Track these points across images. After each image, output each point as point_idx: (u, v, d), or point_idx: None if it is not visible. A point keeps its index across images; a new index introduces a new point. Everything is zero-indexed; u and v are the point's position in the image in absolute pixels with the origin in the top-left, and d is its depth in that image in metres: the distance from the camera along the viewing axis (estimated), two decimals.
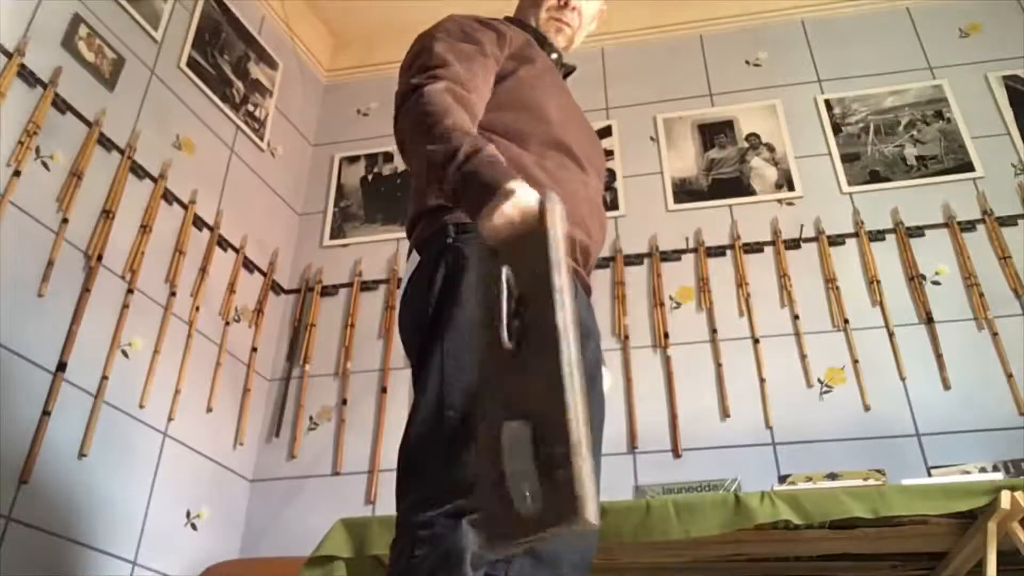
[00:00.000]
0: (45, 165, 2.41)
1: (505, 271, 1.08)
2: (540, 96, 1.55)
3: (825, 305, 2.99)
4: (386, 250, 3.45)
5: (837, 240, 3.11)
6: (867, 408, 2.76)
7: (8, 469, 2.11)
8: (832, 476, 2.19)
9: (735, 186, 3.33)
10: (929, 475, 2.38)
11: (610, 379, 1.69)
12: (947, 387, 2.74)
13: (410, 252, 1.48)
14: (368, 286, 3.37)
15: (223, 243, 3.12)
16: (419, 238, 1.45)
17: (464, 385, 1.25)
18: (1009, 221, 3.00)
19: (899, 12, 3.61)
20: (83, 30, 2.64)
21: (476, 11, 1.65)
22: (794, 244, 3.13)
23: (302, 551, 2.32)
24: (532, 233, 1.09)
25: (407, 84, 1.41)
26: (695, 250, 3.19)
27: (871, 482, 2.07)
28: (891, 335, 2.87)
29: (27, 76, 2.39)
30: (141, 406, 2.58)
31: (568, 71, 1.79)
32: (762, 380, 2.87)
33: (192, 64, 3.16)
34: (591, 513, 0.87)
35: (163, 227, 2.82)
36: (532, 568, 1.32)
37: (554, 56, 1.73)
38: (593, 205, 1.57)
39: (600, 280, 3.18)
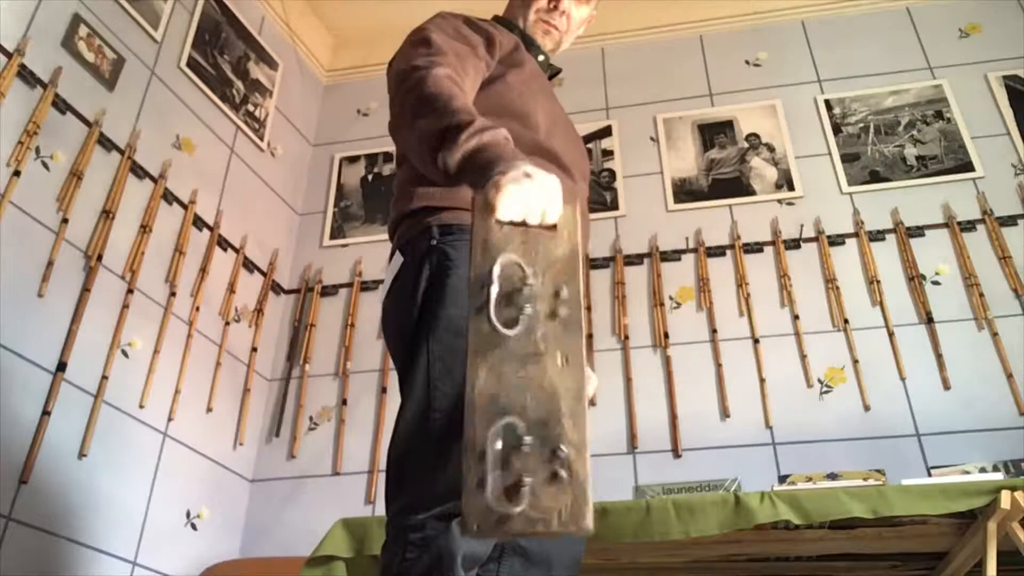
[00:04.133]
0: (45, 165, 2.41)
1: (517, 257, 1.04)
2: (528, 102, 1.54)
3: (825, 305, 2.99)
4: (386, 250, 3.38)
5: (837, 240, 3.11)
6: (867, 408, 2.76)
7: (8, 469, 2.11)
8: (832, 476, 2.19)
9: (735, 186, 3.33)
10: (929, 475, 2.37)
11: (595, 381, 1.70)
12: (947, 387, 2.74)
13: (392, 254, 1.47)
14: (368, 286, 3.37)
15: (223, 243, 3.12)
16: (402, 239, 1.44)
17: (451, 387, 1.24)
18: (1009, 221, 3.00)
19: (899, 12, 3.61)
20: (83, 30, 2.64)
21: (473, 11, 1.65)
22: (794, 244, 3.13)
23: (302, 551, 2.32)
24: (558, 225, 1.06)
25: (407, 64, 1.35)
26: (695, 250, 3.19)
27: (871, 482, 2.06)
28: (891, 335, 2.87)
29: (27, 76, 2.39)
30: (141, 406, 2.58)
31: (554, 72, 1.78)
32: (762, 380, 2.87)
33: (192, 64, 3.16)
34: (591, 520, 0.87)
35: (163, 227, 2.82)
36: (523, 568, 1.32)
37: (540, 58, 1.72)
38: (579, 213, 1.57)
39: (600, 280, 3.18)
